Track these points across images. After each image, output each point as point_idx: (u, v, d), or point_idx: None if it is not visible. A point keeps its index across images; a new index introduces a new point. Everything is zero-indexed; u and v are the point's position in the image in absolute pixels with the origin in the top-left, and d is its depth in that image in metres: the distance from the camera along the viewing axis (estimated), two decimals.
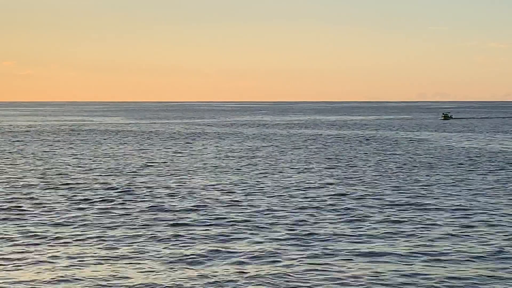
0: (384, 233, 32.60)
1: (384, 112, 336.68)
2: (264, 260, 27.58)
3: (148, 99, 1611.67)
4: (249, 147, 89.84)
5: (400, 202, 41.90)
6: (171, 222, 35.18)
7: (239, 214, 37.55)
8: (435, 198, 43.47)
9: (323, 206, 40.25)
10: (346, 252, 28.90)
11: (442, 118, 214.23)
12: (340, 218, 36.37)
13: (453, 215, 37.38)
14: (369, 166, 63.90)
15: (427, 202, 41.79)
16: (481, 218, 36.69)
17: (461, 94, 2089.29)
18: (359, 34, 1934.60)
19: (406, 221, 35.55)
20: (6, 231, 32.83)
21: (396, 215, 37.46)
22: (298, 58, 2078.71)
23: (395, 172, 58.45)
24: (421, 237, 31.82)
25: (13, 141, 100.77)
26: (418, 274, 25.66)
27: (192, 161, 68.85)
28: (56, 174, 55.84)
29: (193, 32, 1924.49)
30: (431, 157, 72.85)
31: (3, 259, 27.57)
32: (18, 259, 27.47)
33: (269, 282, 24.55)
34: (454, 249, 29.41)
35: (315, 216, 37.05)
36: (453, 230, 33.38)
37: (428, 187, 48.94)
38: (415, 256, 28.16)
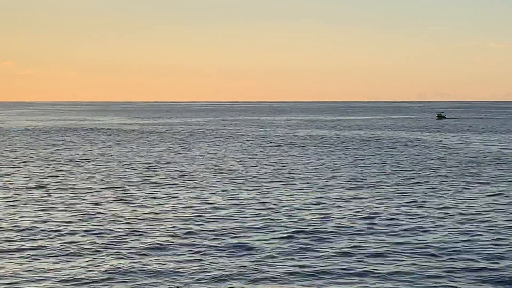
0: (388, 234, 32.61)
1: (383, 112, 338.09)
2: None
3: (148, 99, 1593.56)
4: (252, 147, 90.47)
5: (400, 202, 42.10)
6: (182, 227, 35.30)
7: (245, 217, 37.75)
8: (434, 197, 43.56)
9: (325, 210, 40.35)
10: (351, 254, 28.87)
11: (437, 117, 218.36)
12: (346, 219, 36.35)
13: (455, 217, 37.44)
14: (368, 167, 64.27)
15: (426, 201, 41.88)
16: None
17: (461, 94, 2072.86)
18: (359, 34, 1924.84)
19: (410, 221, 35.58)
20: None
21: (399, 215, 37.55)
22: (298, 58, 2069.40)
23: (393, 172, 58.94)
24: (425, 237, 31.76)
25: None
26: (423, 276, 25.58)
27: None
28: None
29: (193, 32, 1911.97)
30: (425, 155, 73.51)
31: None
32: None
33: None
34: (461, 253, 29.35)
35: (318, 217, 37.08)
36: (459, 231, 33.42)
37: (423, 184, 49.18)
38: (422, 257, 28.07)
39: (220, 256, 28.61)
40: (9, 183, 52.72)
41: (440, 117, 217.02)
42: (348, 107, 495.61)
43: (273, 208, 40.49)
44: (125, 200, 44.06)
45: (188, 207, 41.25)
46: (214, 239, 31.95)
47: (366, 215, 37.97)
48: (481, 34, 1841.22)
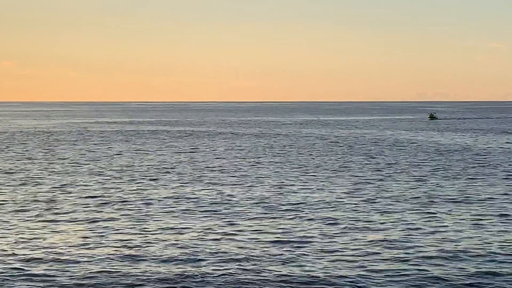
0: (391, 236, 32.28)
1: (379, 112, 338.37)
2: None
3: (148, 99, 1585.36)
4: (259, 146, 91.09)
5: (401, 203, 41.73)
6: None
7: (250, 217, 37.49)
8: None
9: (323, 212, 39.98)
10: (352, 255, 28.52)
11: (429, 118, 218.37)
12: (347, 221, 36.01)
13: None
14: (364, 167, 63.82)
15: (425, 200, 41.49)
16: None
17: (461, 94, 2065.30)
18: (359, 34, 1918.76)
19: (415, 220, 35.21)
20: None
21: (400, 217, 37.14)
22: (298, 58, 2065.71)
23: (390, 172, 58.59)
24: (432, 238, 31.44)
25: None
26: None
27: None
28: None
29: (193, 32, 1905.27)
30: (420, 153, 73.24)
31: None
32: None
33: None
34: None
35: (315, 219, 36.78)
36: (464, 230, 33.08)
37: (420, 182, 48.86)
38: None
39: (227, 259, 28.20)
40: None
41: (432, 117, 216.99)
42: (347, 108, 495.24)
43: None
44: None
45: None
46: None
47: (373, 216, 37.63)
48: (481, 34, 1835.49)
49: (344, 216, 37.30)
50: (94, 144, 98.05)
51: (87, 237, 31.75)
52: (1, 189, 48.53)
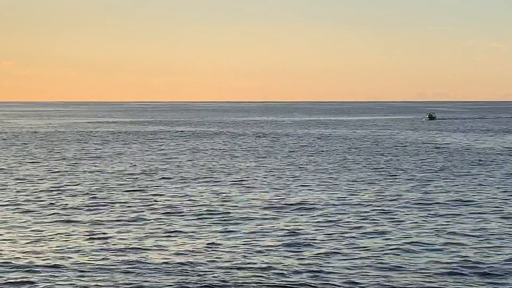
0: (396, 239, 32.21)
1: (379, 112, 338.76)
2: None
3: (148, 99, 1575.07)
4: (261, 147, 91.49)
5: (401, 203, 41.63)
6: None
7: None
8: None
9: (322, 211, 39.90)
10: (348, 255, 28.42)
11: (428, 118, 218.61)
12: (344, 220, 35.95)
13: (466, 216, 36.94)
14: (363, 168, 63.75)
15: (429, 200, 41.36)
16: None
17: (461, 94, 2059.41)
18: (359, 34, 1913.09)
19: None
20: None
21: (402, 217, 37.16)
22: (298, 58, 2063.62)
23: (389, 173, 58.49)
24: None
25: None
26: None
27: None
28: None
29: (193, 32, 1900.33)
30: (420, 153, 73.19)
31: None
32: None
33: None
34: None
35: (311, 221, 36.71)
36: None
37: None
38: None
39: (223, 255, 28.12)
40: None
41: (431, 117, 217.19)
42: (347, 108, 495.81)
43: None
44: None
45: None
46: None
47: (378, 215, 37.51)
48: (481, 34, 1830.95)
49: (344, 216, 37.21)
50: (94, 144, 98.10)
51: (87, 238, 31.65)
52: (1, 189, 48.44)
